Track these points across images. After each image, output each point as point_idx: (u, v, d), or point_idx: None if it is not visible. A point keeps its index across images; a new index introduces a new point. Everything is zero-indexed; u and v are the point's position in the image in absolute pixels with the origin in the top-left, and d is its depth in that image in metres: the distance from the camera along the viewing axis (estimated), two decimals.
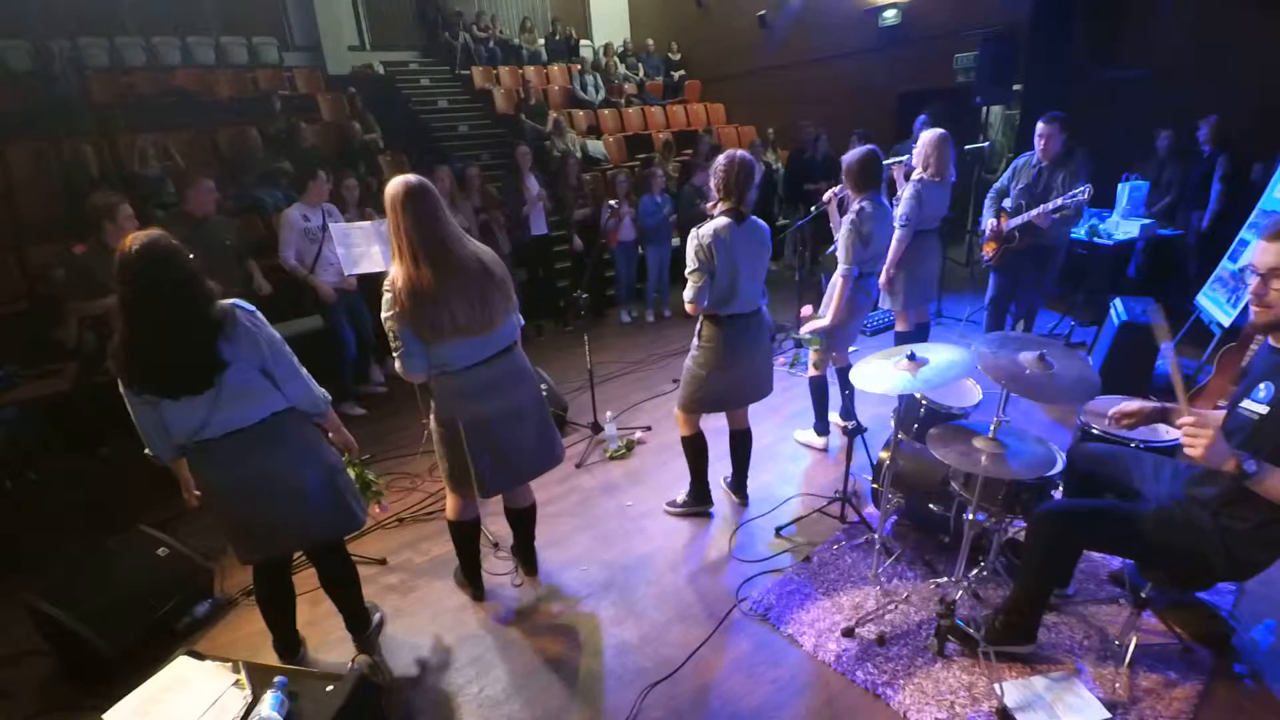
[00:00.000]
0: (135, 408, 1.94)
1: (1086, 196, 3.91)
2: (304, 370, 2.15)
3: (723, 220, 2.72)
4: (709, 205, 2.83)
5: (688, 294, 2.78)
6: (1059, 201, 4.03)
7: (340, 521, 2.29)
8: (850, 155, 3.37)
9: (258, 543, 2.17)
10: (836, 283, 3.42)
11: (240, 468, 2.03)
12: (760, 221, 2.85)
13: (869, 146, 3.40)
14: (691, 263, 2.74)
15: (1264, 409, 1.82)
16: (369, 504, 2.57)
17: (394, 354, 2.23)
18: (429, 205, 2.11)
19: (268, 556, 2.24)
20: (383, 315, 2.18)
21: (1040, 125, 4.20)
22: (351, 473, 2.46)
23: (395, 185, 2.11)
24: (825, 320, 3.49)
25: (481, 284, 2.19)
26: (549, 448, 2.57)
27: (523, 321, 2.51)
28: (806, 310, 3.68)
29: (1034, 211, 4.15)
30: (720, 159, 2.78)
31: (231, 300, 1.99)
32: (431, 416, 2.42)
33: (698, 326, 2.96)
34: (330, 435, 2.36)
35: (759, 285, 2.88)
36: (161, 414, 1.94)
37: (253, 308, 2.03)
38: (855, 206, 3.36)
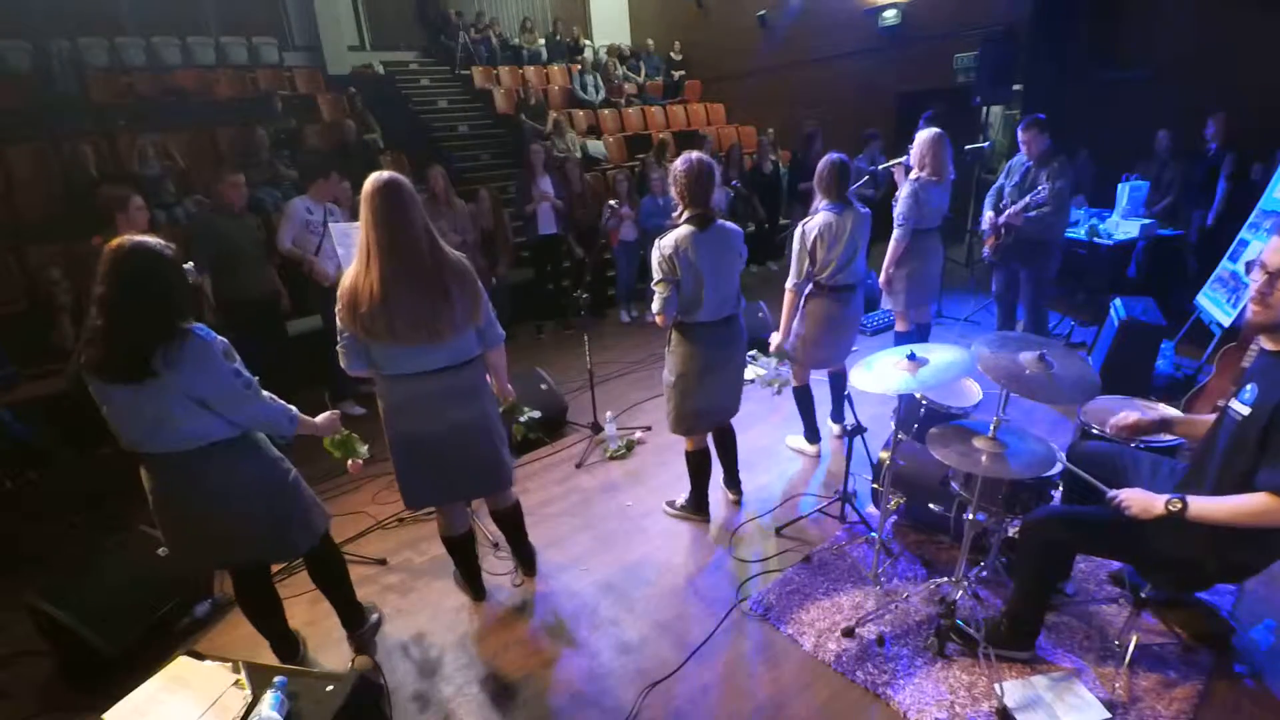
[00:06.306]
0: (99, 401, 1.92)
1: (1045, 194, 4.22)
2: (260, 395, 2.04)
3: (684, 229, 2.65)
4: (674, 214, 2.75)
5: (655, 305, 2.73)
6: (1026, 201, 4.34)
7: (275, 551, 2.26)
8: (822, 162, 3.28)
9: (188, 555, 2.16)
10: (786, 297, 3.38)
11: (176, 487, 2.01)
12: (729, 225, 2.76)
13: (838, 155, 3.29)
14: (655, 273, 2.69)
15: (1246, 410, 1.84)
16: (351, 459, 2.45)
17: (337, 346, 2.22)
18: (396, 202, 2.07)
19: (195, 569, 2.24)
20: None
21: (1020, 131, 4.48)
22: (336, 441, 2.39)
23: (368, 181, 2.10)
24: (778, 336, 3.42)
25: (432, 296, 2.12)
26: (491, 471, 2.51)
27: (503, 335, 2.43)
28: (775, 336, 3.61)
29: (1009, 211, 4.45)
30: (677, 165, 2.67)
31: (195, 325, 1.91)
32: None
33: (667, 336, 2.90)
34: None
35: (728, 292, 2.79)
36: (108, 412, 1.92)
37: (214, 338, 1.93)
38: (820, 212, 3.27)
